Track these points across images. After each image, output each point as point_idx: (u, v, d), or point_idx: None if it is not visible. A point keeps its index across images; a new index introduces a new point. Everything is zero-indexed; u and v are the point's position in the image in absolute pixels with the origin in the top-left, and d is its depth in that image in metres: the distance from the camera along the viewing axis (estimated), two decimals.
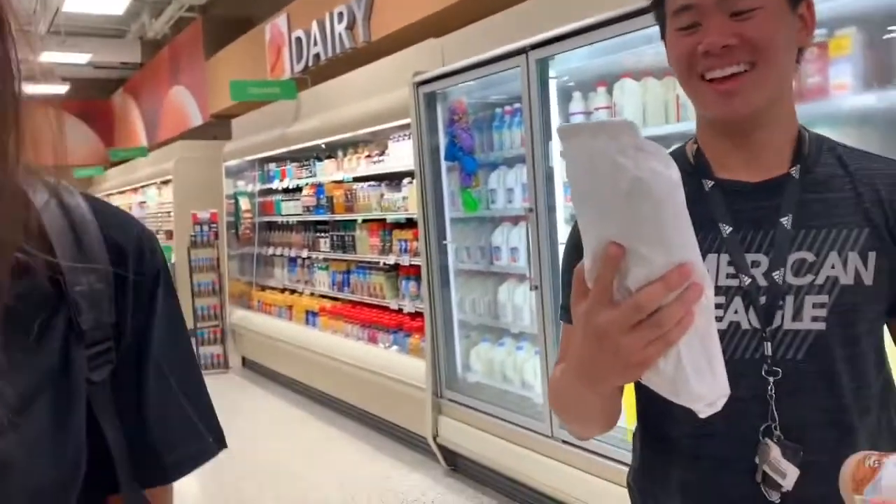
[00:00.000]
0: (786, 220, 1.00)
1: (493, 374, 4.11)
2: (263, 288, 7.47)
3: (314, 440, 5.28)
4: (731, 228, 1.02)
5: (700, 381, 0.72)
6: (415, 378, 4.52)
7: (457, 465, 4.32)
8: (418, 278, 4.63)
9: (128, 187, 12.83)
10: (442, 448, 4.32)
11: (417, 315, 4.78)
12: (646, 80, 3.17)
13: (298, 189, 6.66)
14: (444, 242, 4.25)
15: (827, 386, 0.99)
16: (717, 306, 1.00)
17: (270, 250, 7.19)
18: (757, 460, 0.98)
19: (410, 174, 4.58)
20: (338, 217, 5.91)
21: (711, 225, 1.02)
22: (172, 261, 9.55)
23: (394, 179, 5.22)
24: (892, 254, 0.99)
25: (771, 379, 0.98)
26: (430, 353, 4.32)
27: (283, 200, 6.97)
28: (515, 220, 3.90)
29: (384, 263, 5.30)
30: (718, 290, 1.01)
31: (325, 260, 6.29)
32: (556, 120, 3.44)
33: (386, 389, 4.90)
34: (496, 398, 3.95)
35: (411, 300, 4.98)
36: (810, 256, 0.99)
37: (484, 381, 4.15)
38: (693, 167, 1.07)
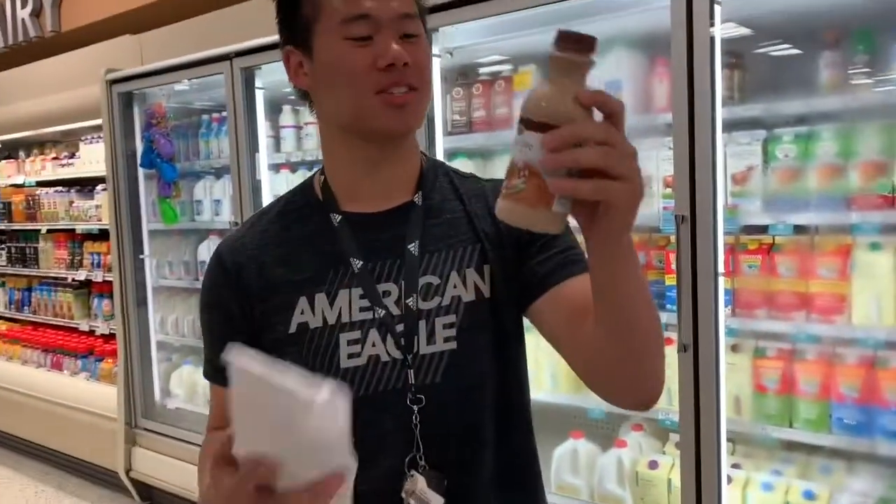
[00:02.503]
0: (413, 247, 1.01)
1: (196, 398, 3.84)
2: None
3: None
4: (361, 262, 1.01)
5: None
6: (106, 408, 4.08)
7: (152, 498, 3.96)
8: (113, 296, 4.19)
9: None
10: (135, 482, 3.93)
11: (112, 337, 4.33)
12: None
13: None
14: (142, 257, 3.90)
15: (464, 406, 1.00)
16: (355, 342, 0.98)
17: None
18: (403, 494, 0.96)
19: (105, 180, 4.15)
20: (17, 226, 5.19)
21: (342, 260, 1.01)
22: None
23: (86, 185, 4.69)
24: (503, 259, 1.03)
25: (415, 407, 0.96)
26: (122, 380, 3.93)
27: None
28: (223, 234, 3.70)
29: (73, 279, 4.74)
30: (354, 326, 0.99)
31: (2, 276, 5.48)
32: (263, 131, 3.31)
33: (72, 422, 4.35)
34: (199, 425, 3.69)
35: (105, 320, 4.50)
36: (435, 279, 1.01)
37: (186, 407, 3.86)
38: (320, 201, 1.06)
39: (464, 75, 2.76)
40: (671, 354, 2.21)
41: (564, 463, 2.57)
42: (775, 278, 2.15)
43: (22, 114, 4.77)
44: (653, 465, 2.39)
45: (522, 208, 0.69)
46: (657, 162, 2.35)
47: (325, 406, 0.66)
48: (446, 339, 0.98)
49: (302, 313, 0.99)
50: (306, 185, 1.09)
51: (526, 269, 1.01)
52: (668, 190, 2.24)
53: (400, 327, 0.98)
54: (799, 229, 2.12)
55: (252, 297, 1.02)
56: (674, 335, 2.18)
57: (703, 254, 2.04)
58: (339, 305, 0.99)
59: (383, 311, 0.98)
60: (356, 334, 0.98)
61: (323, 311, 0.99)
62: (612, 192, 0.68)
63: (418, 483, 0.95)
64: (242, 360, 0.69)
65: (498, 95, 2.63)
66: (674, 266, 2.12)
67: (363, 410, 0.90)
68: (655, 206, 2.35)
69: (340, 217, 1.03)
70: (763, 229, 2.17)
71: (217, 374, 1.06)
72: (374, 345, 0.98)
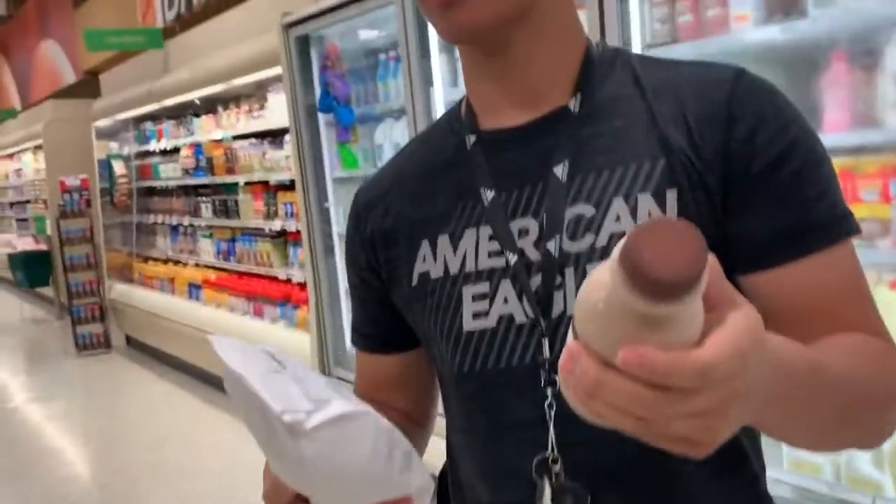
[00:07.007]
0: (560, 169, 0.72)
1: None
2: (146, 259, 6.89)
3: (199, 423, 4.89)
4: (492, 192, 0.74)
5: None
6: (302, 354, 4.15)
7: None
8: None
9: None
10: None
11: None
12: None
13: (176, 150, 6.09)
14: (326, 205, 3.86)
15: None
16: (482, 297, 0.74)
17: (151, 218, 6.61)
18: None
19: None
20: (219, 180, 5.42)
21: (472, 192, 0.76)
22: (48, 233, 8.78)
23: (276, 136, 4.75)
24: (700, 186, 0.68)
25: (549, 390, 0.68)
26: (314, 328, 3.96)
27: (161, 163, 6.39)
28: None
29: (270, 229, 4.87)
30: (481, 276, 0.74)
31: (209, 227, 5.80)
32: (438, 65, 3.06)
33: None
34: None
35: (300, 268, 4.58)
36: (588, 210, 0.71)
37: None
38: (461, 121, 0.80)
39: None
40: None
41: None
42: None
43: (209, 68, 4.90)
44: None
45: None
46: None
47: (327, 430, 0.54)
48: None
49: (424, 261, 0.78)
50: (454, 106, 0.84)
51: (735, 216, 0.68)
52: None
53: (537, 278, 0.71)
54: None
55: (376, 244, 0.82)
56: None
57: None
58: (463, 249, 0.75)
59: (516, 257, 0.72)
60: (483, 287, 0.74)
61: (445, 257, 0.76)
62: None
63: (545, 498, 0.68)
64: (223, 348, 0.56)
65: None
66: None
67: (485, 391, 0.69)
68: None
69: (475, 137, 0.77)
70: None
71: (356, 338, 0.92)
72: (506, 301, 0.72)
